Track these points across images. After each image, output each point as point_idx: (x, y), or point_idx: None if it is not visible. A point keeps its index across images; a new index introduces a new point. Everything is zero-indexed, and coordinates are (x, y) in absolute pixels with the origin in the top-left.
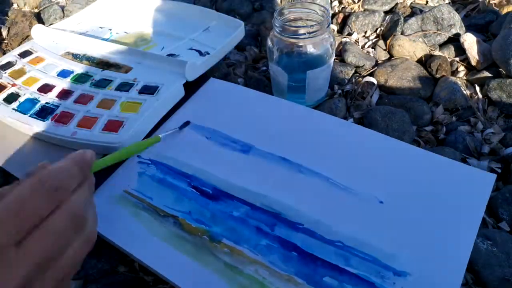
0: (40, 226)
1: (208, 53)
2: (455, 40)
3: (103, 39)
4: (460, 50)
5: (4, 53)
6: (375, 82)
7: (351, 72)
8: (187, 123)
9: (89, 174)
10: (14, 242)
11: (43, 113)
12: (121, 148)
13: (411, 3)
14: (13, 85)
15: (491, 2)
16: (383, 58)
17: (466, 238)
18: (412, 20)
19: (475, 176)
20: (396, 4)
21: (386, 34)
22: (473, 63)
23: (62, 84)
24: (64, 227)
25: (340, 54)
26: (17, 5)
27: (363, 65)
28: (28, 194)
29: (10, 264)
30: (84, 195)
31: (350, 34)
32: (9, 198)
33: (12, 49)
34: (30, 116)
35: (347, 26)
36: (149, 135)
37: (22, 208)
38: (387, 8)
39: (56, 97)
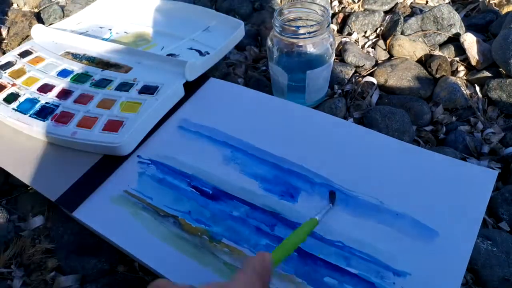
0: None
1: (208, 53)
2: (455, 40)
3: (103, 39)
4: (460, 50)
5: (4, 53)
6: (375, 82)
7: (351, 72)
8: (333, 194)
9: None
10: None
11: (43, 113)
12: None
13: (411, 3)
14: (13, 85)
15: (491, 2)
16: (383, 58)
17: (467, 237)
18: (412, 20)
19: (477, 174)
20: (396, 4)
21: (386, 34)
22: (473, 63)
23: (62, 84)
24: None
25: (340, 54)
26: (17, 5)
27: (363, 65)
28: None
29: None
30: None
31: (350, 34)
32: None
33: (12, 49)
34: (30, 116)
35: (347, 26)
36: (149, 135)
37: None
38: (387, 8)
39: (56, 97)
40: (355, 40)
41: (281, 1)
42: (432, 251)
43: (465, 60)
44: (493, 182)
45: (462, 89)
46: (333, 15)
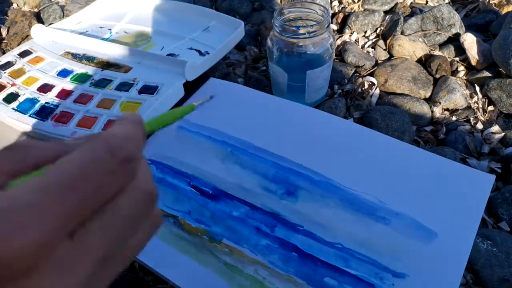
0: (105, 210)
1: (208, 53)
2: (455, 40)
3: (103, 39)
4: (460, 50)
5: (4, 53)
6: (375, 82)
7: (351, 72)
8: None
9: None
10: (67, 232)
11: (43, 113)
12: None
13: (411, 3)
14: (13, 84)
15: (491, 2)
16: (383, 58)
17: (465, 240)
18: (412, 20)
19: (474, 177)
20: (396, 4)
21: (386, 34)
22: (473, 63)
23: (62, 84)
24: (135, 209)
25: (340, 54)
26: (17, 5)
27: (363, 65)
28: (92, 164)
29: (62, 266)
30: (148, 171)
31: (350, 34)
32: (65, 166)
33: (12, 48)
34: (29, 116)
35: (347, 26)
36: (148, 135)
37: (82, 183)
38: (387, 8)
39: (56, 97)
40: (355, 40)
41: (281, 1)
42: (431, 252)
43: (465, 60)
44: (491, 186)
45: (462, 89)
46: (333, 15)
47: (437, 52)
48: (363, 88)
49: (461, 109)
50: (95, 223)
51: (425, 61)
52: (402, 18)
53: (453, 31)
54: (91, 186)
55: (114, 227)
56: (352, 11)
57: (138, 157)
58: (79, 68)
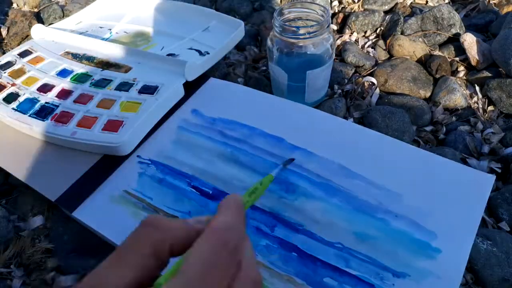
0: None
1: (208, 53)
2: (455, 40)
3: (103, 38)
4: (460, 50)
5: (4, 53)
6: (375, 82)
7: (351, 72)
8: (291, 160)
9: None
10: None
11: (43, 112)
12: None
13: (411, 3)
14: (13, 84)
15: (491, 2)
16: (383, 58)
17: (465, 240)
18: (412, 20)
19: (474, 177)
20: (396, 4)
21: (386, 34)
22: (473, 63)
23: (62, 83)
24: None
25: (340, 54)
26: (17, 5)
27: (363, 65)
28: (213, 257)
29: None
30: (251, 252)
31: (350, 34)
32: (194, 264)
33: (12, 48)
34: (29, 116)
35: (347, 26)
36: (149, 135)
37: (210, 276)
38: (387, 8)
39: (56, 96)
40: (355, 40)
41: (281, 1)
42: (431, 252)
43: (465, 60)
44: (491, 186)
45: (462, 89)
46: (333, 15)
47: (437, 52)
48: (363, 88)
49: (461, 109)
50: None
51: (425, 61)
52: (402, 18)
53: (453, 31)
54: (216, 276)
55: None
56: (352, 11)
57: (241, 246)
58: (79, 68)
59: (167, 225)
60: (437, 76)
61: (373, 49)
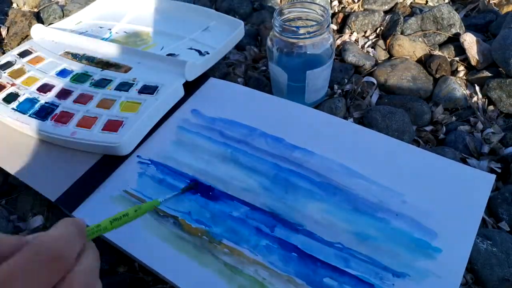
0: None
1: (208, 53)
2: (455, 40)
3: (102, 38)
4: (460, 50)
5: (4, 53)
6: (375, 82)
7: (351, 72)
8: (190, 187)
9: (89, 241)
10: None
11: (43, 113)
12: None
13: (411, 2)
14: (13, 84)
15: (491, 2)
16: (383, 58)
17: (465, 240)
18: (412, 20)
19: (475, 177)
20: (396, 3)
21: (386, 34)
22: (473, 63)
23: (62, 83)
24: None
25: (340, 54)
26: (17, 5)
27: (363, 65)
28: (23, 267)
29: None
30: (90, 264)
31: (350, 34)
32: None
33: (12, 48)
34: (29, 116)
35: (347, 26)
36: (148, 135)
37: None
38: (387, 7)
39: (56, 96)
40: (355, 40)
41: (281, 1)
42: (431, 252)
43: (465, 60)
44: (491, 185)
45: (462, 89)
46: (333, 15)
47: (437, 52)
48: (363, 88)
49: (461, 109)
50: None
51: (425, 61)
52: (402, 18)
53: (453, 31)
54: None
55: None
56: (352, 11)
57: (67, 254)
58: (79, 68)
59: None
60: (437, 76)
61: (373, 49)
